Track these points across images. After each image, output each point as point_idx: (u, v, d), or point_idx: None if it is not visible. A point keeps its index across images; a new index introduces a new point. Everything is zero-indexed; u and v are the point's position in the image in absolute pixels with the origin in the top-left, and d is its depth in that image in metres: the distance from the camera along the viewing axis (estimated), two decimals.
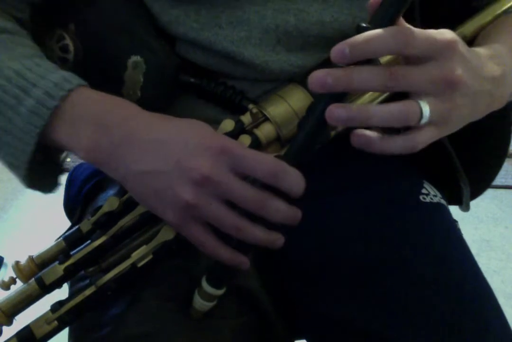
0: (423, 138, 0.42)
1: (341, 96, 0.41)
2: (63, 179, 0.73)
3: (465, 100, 0.42)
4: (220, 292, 0.48)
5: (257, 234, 0.44)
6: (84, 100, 0.47)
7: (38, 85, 0.46)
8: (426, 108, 0.40)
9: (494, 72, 0.45)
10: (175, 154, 0.44)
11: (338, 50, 0.38)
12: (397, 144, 0.42)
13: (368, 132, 0.41)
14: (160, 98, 0.55)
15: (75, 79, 0.48)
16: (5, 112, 0.47)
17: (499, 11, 0.54)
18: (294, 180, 0.43)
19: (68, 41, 0.54)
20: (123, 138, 0.45)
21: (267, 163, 0.43)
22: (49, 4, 0.55)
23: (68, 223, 0.69)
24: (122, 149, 0.45)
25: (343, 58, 0.38)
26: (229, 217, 0.44)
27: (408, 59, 0.42)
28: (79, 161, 0.62)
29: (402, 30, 0.39)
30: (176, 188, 0.43)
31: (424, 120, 0.41)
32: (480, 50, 0.46)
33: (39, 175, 0.51)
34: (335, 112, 0.39)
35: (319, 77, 0.39)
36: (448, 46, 0.40)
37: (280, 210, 0.44)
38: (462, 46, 0.42)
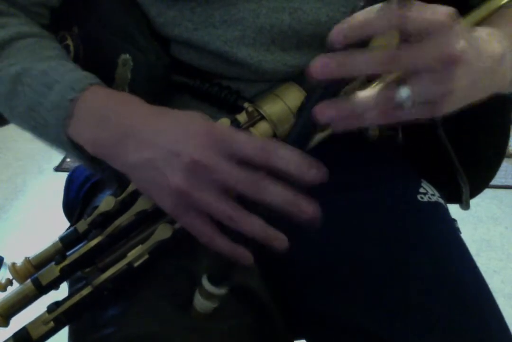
0: (406, 115, 0.40)
1: (334, 93, 0.41)
2: (63, 179, 0.73)
3: (465, 80, 0.40)
4: (220, 291, 0.47)
5: (252, 224, 0.43)
6: (92, 97, 0.49)
7: (61, 81, 0.49)
8: (405, 93, 0.38)
9: (495, 49, 0.43)
10: (166, 143, 0.44)
11: (337, 31, 0.37)
12: (373, 116, 0.39)
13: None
14: (147, 95, 0.56)
15: (95, 77, 0.51)
16: (38, 109, 0.50)
17: (494, 7, 0.54)
18: (287, 155, 0.41)
19: (69, 41, 0.57)
20: (121, 132, 0.46)
21: (254, 141, 0.42)
22: (60, 8, 0.58)
23: (68, 223, 0.68)
24: (120, 142, 0.46)
25: (343, 38, 0.37)
26: (221, 204, 0.42)
27: (406, 38, 0.39)
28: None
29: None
30: (167, 174, 0.43)
31: (406, 104, 0.38)
32: (479, 28, 0.44)
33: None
34: (325, 111, 0.38)
35: (321, 62, 0.37)
36: (448, 19, 0.38)
37: (278, 192, 0.42)
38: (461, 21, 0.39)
